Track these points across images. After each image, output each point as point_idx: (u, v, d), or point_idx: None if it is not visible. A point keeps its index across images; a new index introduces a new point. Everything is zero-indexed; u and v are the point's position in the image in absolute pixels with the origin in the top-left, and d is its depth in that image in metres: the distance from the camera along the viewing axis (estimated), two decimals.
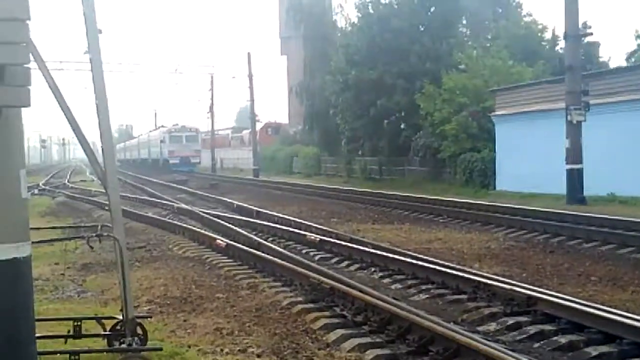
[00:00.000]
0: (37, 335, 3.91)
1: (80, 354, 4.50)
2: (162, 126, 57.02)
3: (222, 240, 10.43)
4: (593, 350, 4.94)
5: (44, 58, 4.31)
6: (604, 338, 5.20)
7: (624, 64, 28.39)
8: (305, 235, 11.12)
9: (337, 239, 10.56)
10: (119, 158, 68.60)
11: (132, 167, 59.22)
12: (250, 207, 16.69)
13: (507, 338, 5.48)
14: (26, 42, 3.46)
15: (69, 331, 4.98)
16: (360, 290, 6.34)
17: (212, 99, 47.21)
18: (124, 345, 4.62)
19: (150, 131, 61.45)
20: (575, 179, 16.78)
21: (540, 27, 30.68)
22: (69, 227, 12.92)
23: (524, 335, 5.49)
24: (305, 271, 7.49)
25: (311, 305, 6.46)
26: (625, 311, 5.73)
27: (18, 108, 3.56)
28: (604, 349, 4.99)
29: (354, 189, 24.62)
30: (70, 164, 70.42)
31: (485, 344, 4.65)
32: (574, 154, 16.86)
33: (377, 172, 31.92)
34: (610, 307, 5.89)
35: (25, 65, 3.44)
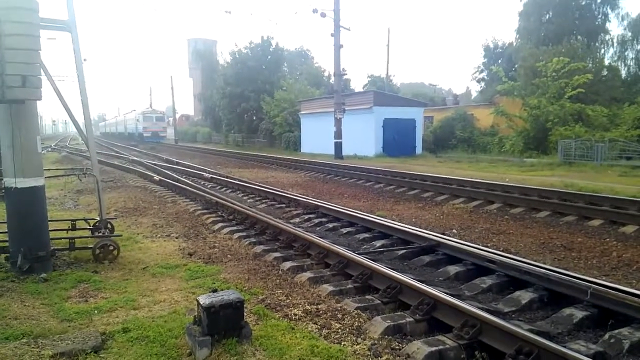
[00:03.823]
0: (49, 228, 6.07)
1: (76, 239, 6.46)
2: (134, 110, 69.94)
3: (157, 177, 15.19)
4: (343, 229, 8.16)
5: (51, 73, 6.04)
6: (349, 224, 8.42)
7: (360, 90, 49.15)
8: (202, 174, 16.50)
9: (220, 176, 15.81)
10: (101, 131, 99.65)
11: (111, 138, 75.30)
12: (172, 159, 25.24)
13: (305, 225, 8.69)
14: (38, 62, 5.23)
15: (68, 226, 7.22)
16: (232, 203, 9.54)
17: (150, 101, 73.01)
18: (100, 233, 6.83)
19: (125, 113, 75.66)
20: (338, 146, 27.61)
21: (323, 69, 56.08)
22: (68, 169, 17.09)
23: (313, 224, 8.80)
24: (202, 193, 11.04)
25: (205, 211, 9.60)
26: (354, 209, 9.35)
27: (34, 100, 5.37)
28: (349, 229, 8.12)
29: (229, 150, 36.84)
30: (70, 135, 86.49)
31: (294, 228, 7.52)
32: (338, 134, 27.76)
33: (241, 142, 51.79)
34: (351, 208, 9.62)
35: (38, 76, 5.14)
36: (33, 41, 5.12)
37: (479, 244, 6.77)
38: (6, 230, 5.89)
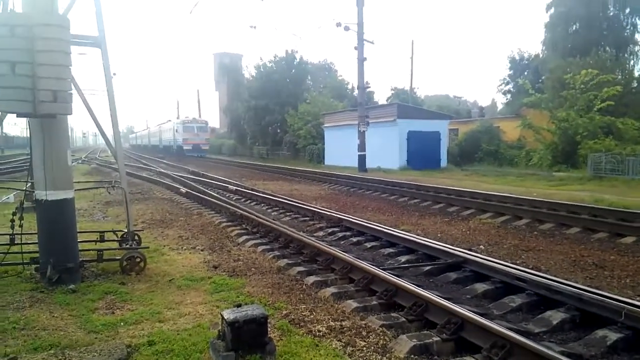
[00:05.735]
0: (78, 240, 6.20)
1: (104, 250, 6.49)
2: (169, 120, 64.62)
3: (183, 189, 15.50)
4: (367, 243, 8.12)
5: (82, 87, 6.30)
6: (373, 238, 8.37)
7: (384, 102, 49.34)
8: (227, 186, 16.67)
9: (244, 189, 15.82)
10: (131, 143, 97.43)
11: (142, 151, 72.12)
12: (198, 171, 25.23)
13: (328, 238, 8.64)
14: (69, 78, 5.27)
15: (97, 238, 7.33)
16: (256, 216, 9.59)
17: (177, 113, 72.94)
18: (127, 245, 6.87)
19: (160, 124, 70.43)
20: (362, 159, 27.69)
21: (346, 82, 57.08)
22: (97, 181, 17.19)
23: (336, 237, 8.77)
24: (227, 205, 11.16)
25: (230, 223, 9.64)
26: (378, 223, 9.26)
27: (65, 115, 5.51)
28: (373, 243, 8.08)
29: (254, 163, 36.95)
30: (99, 147, 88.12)
31: (317, 242, 7.51)
32: (362, 147, 27.89)
33: (265, 155, 51.53)
34: (376, 221, 9.51)
35: (69, 91, 5.23)
36: (64, 57, 5.21)
37: (507, 261, 6.61)
38: (37, 242, 5.98)
